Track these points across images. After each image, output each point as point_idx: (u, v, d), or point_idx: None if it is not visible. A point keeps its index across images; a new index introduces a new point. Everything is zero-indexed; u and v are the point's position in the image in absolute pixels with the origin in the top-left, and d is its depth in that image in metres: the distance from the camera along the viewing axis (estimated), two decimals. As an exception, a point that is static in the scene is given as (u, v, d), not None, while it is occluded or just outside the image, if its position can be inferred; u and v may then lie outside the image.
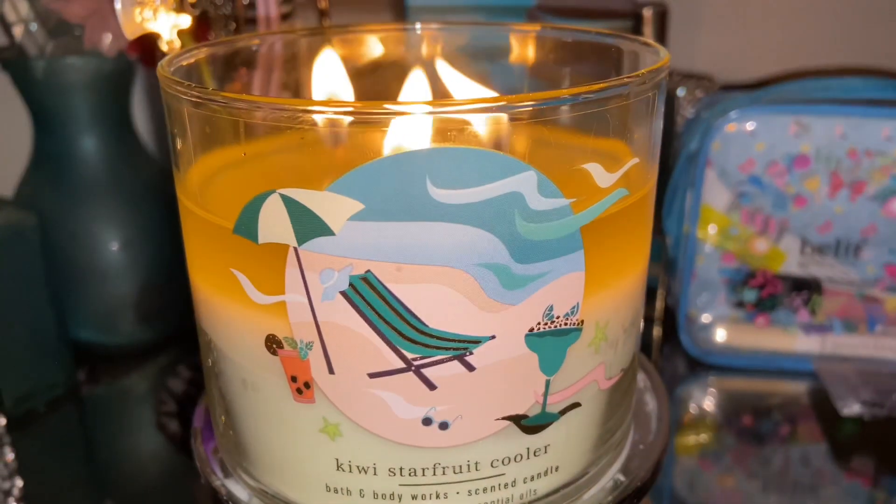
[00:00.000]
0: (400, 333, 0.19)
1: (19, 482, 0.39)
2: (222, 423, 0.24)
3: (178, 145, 0.22)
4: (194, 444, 0.26)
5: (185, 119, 0.20)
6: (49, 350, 0.48)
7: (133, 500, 0.42)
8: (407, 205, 0.18)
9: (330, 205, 0.18)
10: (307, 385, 0.21)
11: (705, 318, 0.52)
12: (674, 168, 0.50)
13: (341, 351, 0.20)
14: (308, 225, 0.19)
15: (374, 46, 0.28)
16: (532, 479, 0.22)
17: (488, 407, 0.21)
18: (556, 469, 0.22)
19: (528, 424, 0.21)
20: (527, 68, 0.27)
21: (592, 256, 0.20)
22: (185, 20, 0.35)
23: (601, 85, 0.19)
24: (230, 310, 0.21)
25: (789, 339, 0.50)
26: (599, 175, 0.20)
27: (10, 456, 0.39)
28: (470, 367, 0.20)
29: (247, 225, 0.19)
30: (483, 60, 0.26)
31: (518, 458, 0.21)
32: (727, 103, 0.48)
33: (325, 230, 0.19)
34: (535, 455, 0.22)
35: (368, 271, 0.19)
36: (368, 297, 0.19)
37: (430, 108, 0.18)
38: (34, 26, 0.46)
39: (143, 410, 0.50)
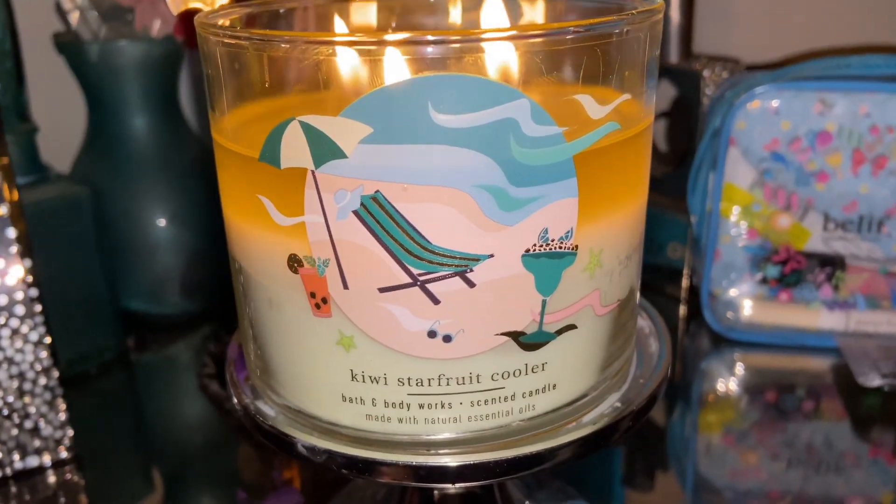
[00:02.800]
0: (406, 250, 0.21)
1: (70, 432, 0.42)
2: (251, 347, 0.27)
3: (213, 87, 0.24)
4: (228, 372, 0.28)
5: (218, 60, 0.23)
6: (101, 317, 0.51)
7: (174, 453, 0.45)
8: (411, 128, 0.20)
9: (342, 129, 0.21)
10: (324, 300, 0.23)
11: (729, 294, 0.53)
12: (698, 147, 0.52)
13: (354, 267, 0.22)
14: (323, 149, 0.21)
15: (388, 13, 0.30)
16: (530, 394, 0.24)
17: (488, 322, 0.22)
18: (554, 387, 0.24)
19: (526, 341, 0.23)
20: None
21: (586, 185, 0.22)
22: (226, -4, 0.38)
23: (594, 21, 0.21)
24: (256, 234, 0.24)
25: (813, 315, 0.51)
26: (591, 106, 0.21)
27: (62, 406, 0.42)
28: (470, 284, 0.22)
29: (270, 152, 0.22)
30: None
31: (517, 372, 0.23)
32: (750, 81, 0.49)
33: (338, 153, 0.21)
34: (532, 371, 0.23)
35: (378, 191, 0.21)
36: (378, 216, 0.21)
37: (430, 38, 0.20)
38: (91, 14, 0.50)
39: (187, 375, 0.52)
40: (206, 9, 0.38)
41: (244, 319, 0.27)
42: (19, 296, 0.40)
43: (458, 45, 0.20)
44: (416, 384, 0.23)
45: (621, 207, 0.24)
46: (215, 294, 0.58)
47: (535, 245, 0.22)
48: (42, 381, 0.41)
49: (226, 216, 0.26)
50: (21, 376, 0.41)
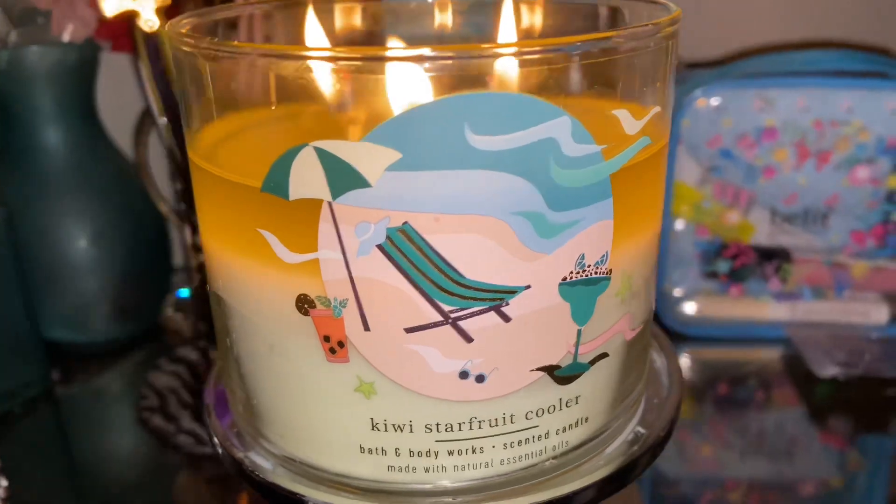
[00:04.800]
0: (437, 285, 0.19)
1: (4, 482, 0.38)
2: (239, 393, 0.24)
3: (194, 106, 0.21)
4: (209, 421, 0.26)
5: (206, 77, 0.20)
6: (23, 350, 0.47)
7: (115, 496, 0.41)
8: (445, 152, 0.18)
9: (366, 155, 0.18)
10: (341, 344, 0.20)
11: (680, 291, 0.53)
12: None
13: (377, 307, 0.20)
14: (343, 177, 0.19)
15: (373, 17, 0.28)
16: (564, 430, 0.22)
17: (523, 358, 0.21)
18: (586, 420, 0.23)
19: (561, 375, 0.21)
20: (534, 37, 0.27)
21: (620, 205, 0.20)
22: (165, -2, 0.35)
23: (632, 29, 0.19)
24: (255, 272, 0.21)
25: (761, 307, 0.52)
26: (627, 121, 0.20)
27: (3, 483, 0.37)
28: (506, 318, 0.20)
29: (277, 181, 0.19)
30: (487, 30, 0.26)
31: (551, 409, 0.22)
32: (694, 80, 0.49)
33: (361, 182, 0.18)
34: (566, 406, 0.22)
35: (406, 223, 0.19)
36: (405, 250, 0.19)
37: (468, 53, 0.18)
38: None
39: (123, 407, 0.48)
40: (140, 6, 0.34)
41: (230, 362, 0.24)
42: (-67, 337, 0.36)
43: (494, 60, 0.18)
44: (446, 430, 0.21)
45: (649, 225, 0.22)
46: (144, 318, 0.54)
47: (571, 272, 0.20)
48: (-35, 430, 0.37)
49: (207, 247, 0.23)
50: (-60, 427, 0.37)
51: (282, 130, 0.20)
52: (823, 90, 0.49)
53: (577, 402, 0.22)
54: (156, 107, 0.34)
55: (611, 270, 0.21)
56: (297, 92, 0.19)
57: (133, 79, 0.55)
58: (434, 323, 0.20)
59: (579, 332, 0.21)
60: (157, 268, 0.53)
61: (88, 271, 0.50)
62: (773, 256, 0.51)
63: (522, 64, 0.18)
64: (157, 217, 0.53)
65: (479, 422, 0.21)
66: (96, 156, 0.50)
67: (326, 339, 0.20)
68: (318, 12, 0.26)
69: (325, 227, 0.19)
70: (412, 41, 0.26)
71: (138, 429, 0.46)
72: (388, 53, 0.18)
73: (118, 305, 0.51)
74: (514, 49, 0.18)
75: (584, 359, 0.22)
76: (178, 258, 0.56)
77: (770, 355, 0.51)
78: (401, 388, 0.21)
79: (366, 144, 0.18)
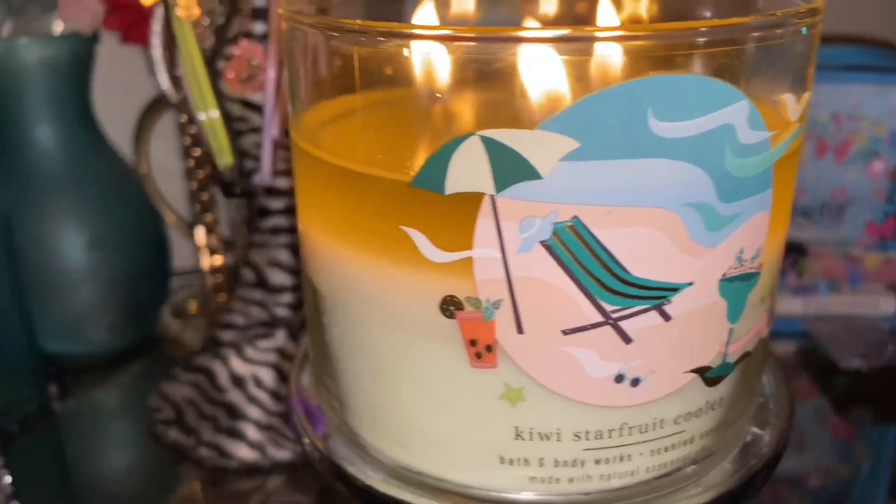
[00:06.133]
0: (601, 283, 0.18)
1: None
2: (345, 400, 0.22)
3: (312, 94, 0.20)
4: (304, 433, 0.24)
5: (355, 67, 0.18)
6: (18, 363, 0.44)
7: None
8: (625, 140, 0.17)
9: (540, 145, 0.17)
10: (489, 348, 0.19)
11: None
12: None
13: (534, 307, 0.18)
14: (512, 168, 0.17)
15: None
16: (706, 434, 0.21)
17: (679, 358, 0.20)
18: (725, 423, 0.22)
19: (711, 376, 0.20)
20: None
21: (776, 196, 0.19)
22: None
23: (803, 7, 0.18)
24: (390, 272, 0.19)
25: (780, 302, 0.52)
26: (792, 106, 0.19)
27: (6, 480, 0.35)
28: (667, 317, 0.19)
29: (432, 175, 0.18)
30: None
31: (698, 412, 0.21)
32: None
33: (531, 173, 0.17)
34: (712, 409, 0.21)
35: (575, 217, 0.17)
36: (572, 246, 0.18)
37: (658, 32, 0.17)
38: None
39: (128, 421, 0.46)
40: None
41: (328, 367, 0.22)
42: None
43: (682, 40, 0.17)
44: (595, 437, 0.20)
45: (788, 217, 0.22)
46: (144, 327, 0.51)
47: (731, 268, 0.19)
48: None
49: (314, 243, 0.21)
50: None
51: (436, 120, 0.18)
52: (831, 85, 0.49)
53: (721, 405, 0.21)
54: (194, 101, 0.32)
55: (761, 265, 0.20)
56: (451, 77, 0.18)
57: (129, 73, 0.52)
58: (594, 324, 0.18)
59: (731, 330, 0.20)
60: (156, 273, 0.51)
61: (86, 279, 0.47)
62: (790, 251, 0.51)
63: (704, 45, 0.17)
64: (155, 219, 0.51)
65: (630, 428, 0.20)
66: (92, 155, 0.47)
67: (473, 343, 0.19)
68: None
69: (483, 223, 0.18)
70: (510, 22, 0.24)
71: (148, 443, 0.43)
72: (563, 34, 0.17)
73: (117, 314, 0.48)
74: (705, 29, 0.17)
75: (731, 358, 0.21)
76: (176, 261, 0.53)
77: (787, 348, 0.51)
78: (551, 393, 0.19)
79: (541, 132, 0.17)
